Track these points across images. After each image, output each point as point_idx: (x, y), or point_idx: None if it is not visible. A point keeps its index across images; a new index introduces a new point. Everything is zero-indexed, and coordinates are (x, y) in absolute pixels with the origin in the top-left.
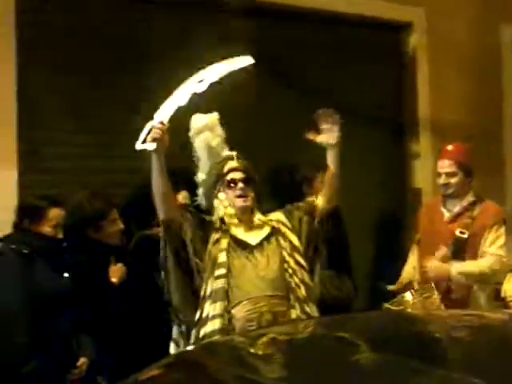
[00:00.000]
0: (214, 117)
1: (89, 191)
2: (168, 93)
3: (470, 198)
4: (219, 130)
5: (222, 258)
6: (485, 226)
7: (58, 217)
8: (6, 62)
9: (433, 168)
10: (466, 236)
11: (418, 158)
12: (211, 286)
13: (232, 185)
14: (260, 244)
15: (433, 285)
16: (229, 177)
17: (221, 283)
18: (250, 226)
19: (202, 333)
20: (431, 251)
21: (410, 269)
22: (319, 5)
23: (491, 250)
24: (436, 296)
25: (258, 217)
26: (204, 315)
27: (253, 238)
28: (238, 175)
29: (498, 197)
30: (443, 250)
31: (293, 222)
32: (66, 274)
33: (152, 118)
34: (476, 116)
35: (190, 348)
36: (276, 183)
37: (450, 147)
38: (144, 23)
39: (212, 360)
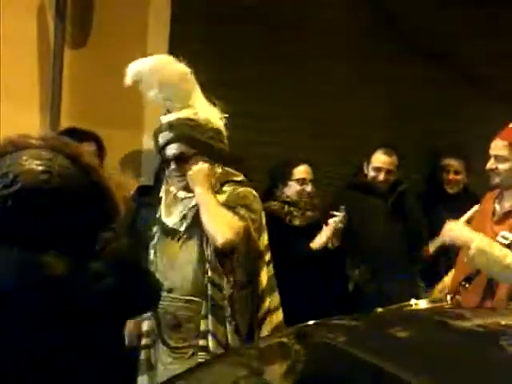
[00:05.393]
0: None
1: None
2: None
3: None
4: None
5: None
6: None
7: None
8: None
9: None
10: (508, 242)
11: None
12: None
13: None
14: (179, 227)
15: (453, 298)
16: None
17: None
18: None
19: None
20: None
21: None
22: None
23: None
24: None
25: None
26: None
27: (171, 218)
28: (170, 151)
29: None
30: (473, 210)
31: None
32: None
33: None
34: None
35: None
36: (414, 169)
37: (510, 125)
38: None
39: None
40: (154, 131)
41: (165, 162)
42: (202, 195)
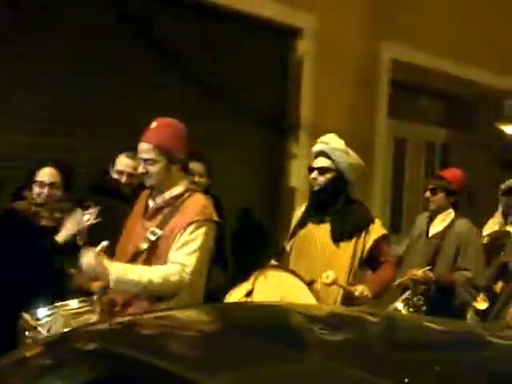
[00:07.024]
0: None
1: None
2: None
3: (176, 190)
4: None
5: None
6: (179, 226)
7: None
8: None
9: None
10: (153, 238)
11: (295, 159)
12: None
13: None
14: None
15: (95, 298)
16: None
17: None
18: None
19: None
20: (123, 254)
21: None
22: None
23: (175, 256)
24: (95, 315)
25: None
26: None
27: None
28: None
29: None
30: (104, 244)
31: None
32: None
33: None
34: (352, 124)
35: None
36: None
37: (152, 125)
38: None
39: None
40: None
41: None
42: None
